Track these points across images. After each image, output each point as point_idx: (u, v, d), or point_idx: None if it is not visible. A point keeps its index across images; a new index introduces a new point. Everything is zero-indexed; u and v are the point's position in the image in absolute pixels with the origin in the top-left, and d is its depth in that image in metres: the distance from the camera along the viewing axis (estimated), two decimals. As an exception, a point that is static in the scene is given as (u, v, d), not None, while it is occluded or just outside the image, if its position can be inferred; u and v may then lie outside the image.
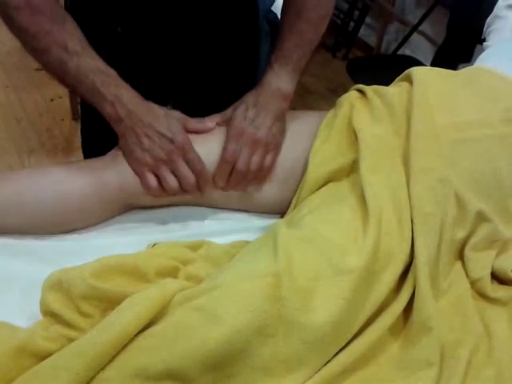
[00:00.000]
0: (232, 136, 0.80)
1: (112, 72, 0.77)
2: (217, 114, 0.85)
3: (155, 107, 0.79)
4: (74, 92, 0.77)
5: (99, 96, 0.75)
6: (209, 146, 0.81)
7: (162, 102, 1.13)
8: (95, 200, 0.77)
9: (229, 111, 0.84)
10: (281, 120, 0.83)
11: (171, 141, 0.76)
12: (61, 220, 0.76)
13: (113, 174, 0.77)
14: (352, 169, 0.80)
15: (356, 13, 2.93)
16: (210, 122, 0.83)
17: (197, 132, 0.81)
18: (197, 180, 0.78)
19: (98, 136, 1.09)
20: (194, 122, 0.82)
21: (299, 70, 0.85)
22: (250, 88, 1.02)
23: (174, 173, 0.77)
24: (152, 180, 0.76)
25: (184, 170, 0.77)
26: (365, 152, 0.76)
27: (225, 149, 0.79)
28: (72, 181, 0.76)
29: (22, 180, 0.76)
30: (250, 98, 0.84)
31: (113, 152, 0.81)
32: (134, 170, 0.77)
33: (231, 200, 0.84)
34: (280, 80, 0.84)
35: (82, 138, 1.14)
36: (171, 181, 0.77)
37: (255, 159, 0.80)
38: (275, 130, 0.82)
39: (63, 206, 0.75)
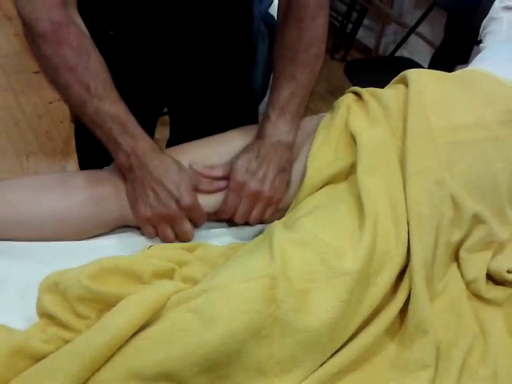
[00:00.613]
0: (233, 189, 0.78)
1: (132, 120, 0.75)
2: (219, 166, 0.81)
3: (170, 162, 0.76)
4: (91, 132, 0.77)
5: (115, 145, 0.74)
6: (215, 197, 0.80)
7: (156, 105, 1.13)
8: (94, 223, 0.77)
9: (231, 162, 0.81)
10: (285, 171, 0.81)
11: (177, 201, 0.74)
12: (59, 236, 0.76)
13: (113, 203, 0.77)
14: (350, 171, 0.80)
15: (354, 15, 2.93)
16: (217, 170, 0.80)
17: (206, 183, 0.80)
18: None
19: (92, 140, 1.10)
20: (206, 184, 0.79)
21: (298, 117, 0.83)
22: (245, 91, 1.02)
23: (173, 229, 0.76)
24: (150, 231, 0.76)
25: (184, 227, 0.76)
26: (361, 154, 0.76)
27: (224, 201, 0.78)
28: (72, 206, 0.75)
29: (21, 201, 0.75)
30: (251, 149, 0.81)
31: (112, 173, 0.80)
32: (135, 219, 0.76)
33: None
34: (279, 132, 0.82)
35: (76, 142, 1.14)
36: (168, 235, 0.76)
37: (254, 214, 0.79)
38: (278, 182, 0.79)
39: (62, 227, 0.76)
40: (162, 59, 0.94)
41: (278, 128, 0.81)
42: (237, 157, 0.80)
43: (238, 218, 0.79)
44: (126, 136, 0.74)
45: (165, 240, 0.77)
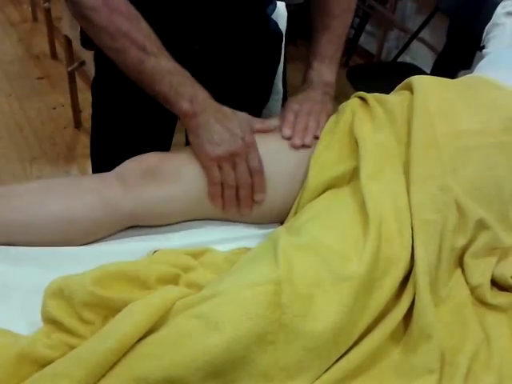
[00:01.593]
0: (289, 110, 0.89)
1: (187, 73, 0.81)
2: (273, 118, 0.91)
3: (225, 108, 0.83)
4: (146, 90, 0.83)
5: (177, 94, 0.79)
6: (269, 146, 0.84)
7: None
8: (103, 224, 0.78)
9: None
10: (327, 100, 0.94)
11: (242, 138, 0.80)
12: (66, 239, 0.76)
13: (121, 204, 0.77)
14: (353, 176, 0.80)
15: (356, 20, 2.95)
16: (274, 121, 0.89)
17: (262, 131, 0.86)
18: (252, 180, 0.81)
19: (107, 146, 1.10)
20: (259, 122, 0.87)
21: (336, 61, 0.97)
22: (252, 96, 1.04)
23: (235, 168, 0.80)
24: (217, 174, 0.80)
25: (243, 167, 0.80)
26: (365, 159, 0.77)
27: (285, 117, 0.87)
28: (80, 208, 0.76)
29: (28, 205, 0.75)
30: (298, 95, 0.94)
31: (119, 172, 0.81)
32: (202, 162, 0.80)
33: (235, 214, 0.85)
34: (321, 74, 0.95)
35: (92, 148, 1.15)
36: (231, 174, 0.80)
37: (312, 124, 0.87)
38: (326, 101, 0.93)
39: (70, 231, 0.76)
40: (184, 62, 0.96)
41: (319, 71, 0.96)
42: (286, 104, 0.92)
43: (297, 129, 0.85)
44: (185, 85, 0.80)
45: (227, 178, 0.80)
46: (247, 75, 1.07)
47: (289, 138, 0.85)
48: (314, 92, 0.93)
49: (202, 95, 0.81)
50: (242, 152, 0.79)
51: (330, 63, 0.96)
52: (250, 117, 0.86)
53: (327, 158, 0.81)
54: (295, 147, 0.84)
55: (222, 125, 0.80)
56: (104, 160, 1.12)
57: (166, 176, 0.80)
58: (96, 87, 1.09)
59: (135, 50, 0.78)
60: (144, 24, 0.79)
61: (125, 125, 1.07)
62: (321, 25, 0.96)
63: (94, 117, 1.11)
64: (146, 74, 0.79)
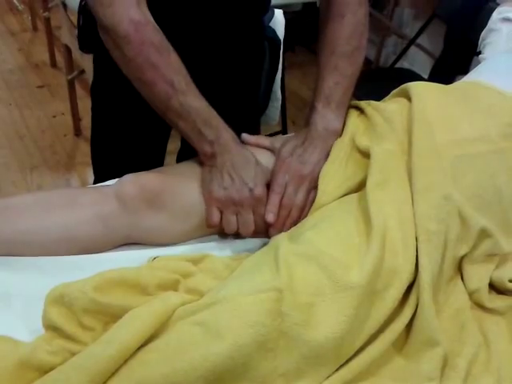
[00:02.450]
0: (279, 170, 0.81)
1: (214, 113, 0.79)
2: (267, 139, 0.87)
3: (249, 154, 0.81)
4: (170, 123, 0.81)
5: (199, 135, 0.78)
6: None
7: None
8: (101, 241, 0.78)
9: (276, 144, 0.85)
10: (328, 147, 0.84)
11: (250, 190, 0.78)
12: (65, 254, 0.77)
13: (120, 221, 0.77)
14: (360, 187, 0.80)
15: (354, 27, 2.96)
16: (265, 140, 0.86)
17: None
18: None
19: (107, 148, 1.10)
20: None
21: (344, 105, 0.86)
22: (250, 102, 1.03)
23: (238, 217, 0.79)
24: (216, 216, 0.78)
25: (248, 217, 0.78)
26: (374, 167, 0.76)
27: (274, 181, 0.81)
28: (80, 226, 0.76)
29: (27, 220, 0.75)
30: (298, 136, 0.85)
31: (119, 194, 0.79)
32: (204, 200, 0.79)
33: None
34: (325, 120, 0.84)
35: (92, 150, 1.15)
36: (232, 223, 0.79)
37: (300, 195, 0.81)
38: (322, 165, 0.82)
39: (69, 246, 0.76)
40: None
41: (324, 116, 0.84)
42: (283, 143, 0.85)
43: (285, 200, 0.80)
44: (209, 127, 0.78)
45: (227, 227, 0.79)
46: (242, 83, 1.06)
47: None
48: (313, 146, 0.83)
49: (225, 138, 0.79)
50: (247, 204, 0.78)
51: (337, 108, 0.84)
52: (269, 170, 0.82)
53: (334, 175, 0.81)
54: (268, 223, 0.80)
55: (235, 170, 0.78)
56: (104, 163, 1.12)
57: (166, 206, 0.78)
58: (95, 91, 1.08)
59: (163, 84, 0.76)
60: (174, 57, 0.77)
61: (123, 128, 1.07)
62: (328, 64, 0.85)
63: (93, 120, 1.11)
64: (171, 110, 0.77)
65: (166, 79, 0.76)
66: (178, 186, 0.80)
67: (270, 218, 0.79)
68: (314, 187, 0.82)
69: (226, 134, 0.80)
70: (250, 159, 0.80)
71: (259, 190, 0.78)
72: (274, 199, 0.80)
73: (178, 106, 0.77)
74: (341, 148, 0.83)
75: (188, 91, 0.77)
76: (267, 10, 1.03)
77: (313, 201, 0.81)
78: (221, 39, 0.97)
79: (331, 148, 0.83)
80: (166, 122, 0.81)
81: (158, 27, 0.77)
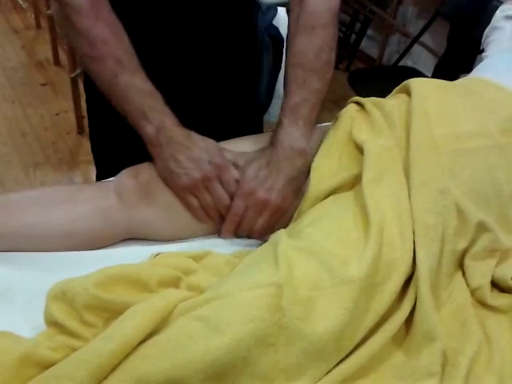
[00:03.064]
0: (241, 194, 0.78)
1: (160, 97, 0.78)
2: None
3: (195, 134, 0.80)
4: (116, 107, 0.79)
5: (145, 119, 0.77)
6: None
7: None
8: (102, 235, 0.79)
9: (240, 161, 0.82)
10: (295, 179, 0.80)
11: (209, 162, 0.78)
12: (67, 249, 0.77)
13: (121, 215, 0.78)
14: (354, 183, 0.80)
15: (357, 25, 2.96)
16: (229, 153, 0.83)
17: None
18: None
19: (108, 150, 1.09)
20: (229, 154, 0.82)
21: (311, 123, 0.82)
22: (250, 101, 1.03)
23: (210, 194, 0.78)
24: (193, 202, 0.78)
25: (219, 190, 0.78)
26: (368, 162, 0.77)
27: (233, 205, 0.79)
28: (80, 220, 0.77)
29: (29, 215, 0.76)
30: (263, 156, 0.81)
31: (117, 187, 0.80)
32: (175, 193, 0.79)
33: None
34: (291, 138, 0.80)
35: (94, 153, 1.15)
36: (208, 200, 0.78)
37: (260, 222, 0.80)
38: (287, 191, 0.79)
39: (70, 241, 0.77)
40: (165, 69, 0.95)
41: (290, 133, 0.81)
42: (249, 162, 0.81)
43: (244, 226, 0.80)
44: (155, 111, 0.77)
45: (207, 209, 0.79)
46: (238, 81, 1.05)
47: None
48: (278, 169, 0.79)
49: (169, 122, 0.78)
50: (212, 175, 0.77)
51: (304, 126, 0.81)
52: (217, 143, 0.82)
53: (327, 167, 0.81)
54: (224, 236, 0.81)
55: (185, 155, 0.77)
56: (105, 159, 1.12)
57: (158, 196, 0.79)
58: (88, 84, 1.07)
59: (111, 61, 0.75)
60: (126, 41, 0.77)
61: (119, 121, 1.06)
62: (296, 78, 0.82)
63: (89, 115, 1.11)
64: (117, 89, 0.76)
65: (115, 56, 0.75)
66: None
67: (226, 233, 0.81)
68: (276, 214, 0.80)
69: (171, 119, 0.79)
70: (198, 137, 0.80)
71: (219, 159, 0.78)
72: (230, 223, 0.79)
73: (125, 85, 0.76)
74: (333, 141, 0.83)
75: (136, 72, 0.77)
76: (259, 6, 1.02)
77: (274, 225, 0.80)
78: (211, 38, 0.96)
79: (299, 169, 0.80)
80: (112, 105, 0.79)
81: (113, 13, 0.77)
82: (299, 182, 0.81)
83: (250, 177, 0.79)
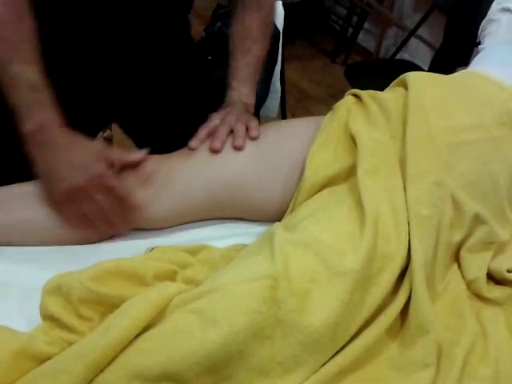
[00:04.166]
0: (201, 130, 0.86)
1: (47, 94, 0.73)
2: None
3: (77, 137, 0.75)
4: (5, 97, 0.72)
5: (27, 113, 0.71)
6: (260, 148, 0.85)
7: (103, 122, 1.09)
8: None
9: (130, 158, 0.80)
10: (249, 112, 0.92)
11: (84, 171, 0.72)
12: (61, 242, 0.77)
13: None
14: (349, 174, 0.80)
15: (354, 18, 2.95)
16: (138, 154, 0.80)
17: (121, 163, 0.78)
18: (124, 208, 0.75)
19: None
20: (117, 153, 0.78)
21: (254, 82, 0.96)
22: (199, 103, 1.05)
23: (88, 201, 0.73)
24: (73, 210, 0.74)
25: (99, 197, 0.73)
26: (362, 156, 0.77)
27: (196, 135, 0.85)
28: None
29: (24, 208, 0.76)
30: (219, 111, 0.91)
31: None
32: (52, 198, 0.74)
33: (230, 211, 0.85)
34: (241, 94, 0.93)
35: None
36: (89, 208, 0.73)
37: (239, 126, 0.86)
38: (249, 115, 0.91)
39: (65, 235, 0.77)
40: (106, 74, 0.94)
41: (240, 91, 0.94)
42: (212, 117, 0.89)
43: (217, 137, 0.83)
44: (38, 107, 0.72)
45: (88, 213, 0.74)
46: (184, 81, 1.05)
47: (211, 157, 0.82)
48: (236, 108, 0.91)
49: (52, 122, 0.72)
50: (89, 184, 0.72)
51: (250, 84, 0.95)
52: (102, 147, 0.77)
53: (322, 157, 0.81)
54: (214, 151, 0.82)
55: (64, 158, 0.72)
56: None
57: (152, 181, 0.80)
58: None
59: (4, 46, 0.69)
60: (28, 25, 0.70)
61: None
62: (241, 48, 0.95)
63: None
64: (5, 78, 0.70)
65: (10, 41, 0.69)
66: (177, 160, 0.83)
67: (193, 144, 0.84)
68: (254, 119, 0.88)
69: (53, 119, 0.73)
70: (79, 140, 0.74)
71: (96, 167, 0.72)
72: (202, 130, 0.86)
73: (13, 74, 0.70)
74: (329, 132, 0.83)
75: (30, 63, 0.71)
76: (190, 7, 1.02)
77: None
78: (147, 44, 0.94)
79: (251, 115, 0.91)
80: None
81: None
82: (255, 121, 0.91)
83: (210, 118, 0.88)
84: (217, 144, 0.82)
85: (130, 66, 0.95)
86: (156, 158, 0.83)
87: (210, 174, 0.82)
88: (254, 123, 0.87)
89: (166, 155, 0.85)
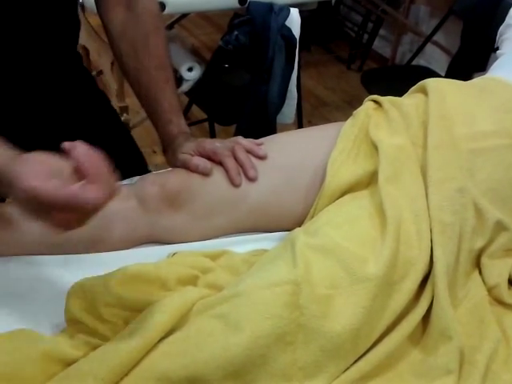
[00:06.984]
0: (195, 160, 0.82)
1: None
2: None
3: (32, 158, 0.62)
4: None
5: None
6: (287, 155, 0.85)
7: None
8: (124, 242, 0.79)
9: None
10: None
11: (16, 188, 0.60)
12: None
13: (142, 225, 0.79)
14: (370, 180, 0.80)
15: (370, 25, 2.95)
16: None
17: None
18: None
19: None
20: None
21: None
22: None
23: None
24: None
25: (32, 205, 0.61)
26: (383, 162, 0.77)
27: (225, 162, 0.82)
28: (104, 230, 0.77)
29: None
30: (188, 144, 0.86)
31: (140, 193, 0.79)
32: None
33: (257, 223, 0.85)
34: (184, 126, 0.90)
35: None
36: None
37: (241, 155, 0.82)
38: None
39: (95, 249, 0.78)
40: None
41: (180, 124, 0.89)
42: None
43: (231, 169, 0.81)
44: None
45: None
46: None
47: (204, 172, 0.80)
48: (197, 141, 0.86)
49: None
50: (22, 201, 0.59)
51: (181, 114, 0.92)
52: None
53: (344, 164, 0.81)
54: (236, 185, 0.80)
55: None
56: None
57: (186, 205, 0.79)
58: None
59: None
60: None
61: None
62: (164, 77, 0.90)
63: None
64: None
65: None
66: (198, 185, 0.80)
67: (199, 162, 0.81)
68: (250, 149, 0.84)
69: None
70: (29, 162, 0.60)
71: (25, 184, 0.58)
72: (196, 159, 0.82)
73: None
74: (349, 138, 0.83)
75: None
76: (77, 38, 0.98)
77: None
78: (37, 80, 0.90)
79: None
80: None
81: None
82: None
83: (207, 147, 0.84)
84: (238, 180, 0.80)
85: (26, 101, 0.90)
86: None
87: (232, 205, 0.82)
88: (251, 144, 0.84)
89: (191, 175, 0.82)
